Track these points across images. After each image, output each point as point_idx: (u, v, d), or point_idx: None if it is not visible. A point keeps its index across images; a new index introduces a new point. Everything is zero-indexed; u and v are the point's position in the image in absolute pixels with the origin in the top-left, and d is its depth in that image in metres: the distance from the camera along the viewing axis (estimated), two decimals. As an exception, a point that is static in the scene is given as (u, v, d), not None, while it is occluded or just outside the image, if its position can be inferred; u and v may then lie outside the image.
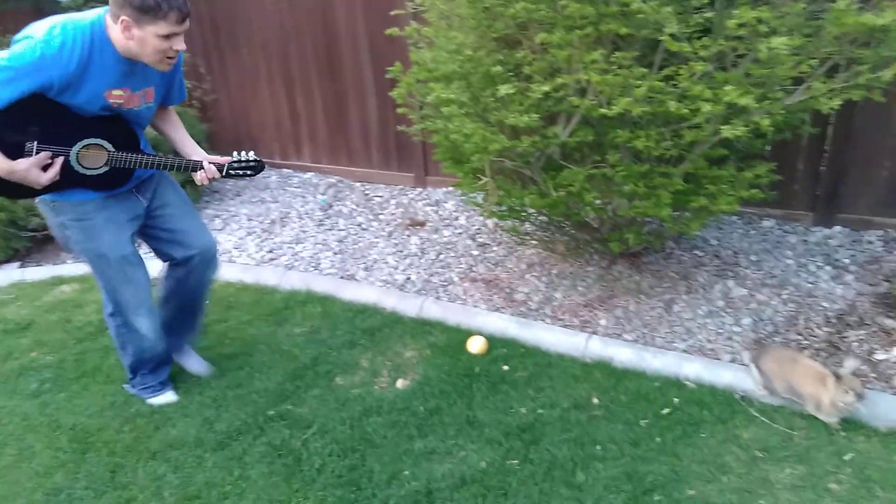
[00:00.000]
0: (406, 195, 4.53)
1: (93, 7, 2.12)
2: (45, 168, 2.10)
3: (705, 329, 2.80)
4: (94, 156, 2.17)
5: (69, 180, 2.16)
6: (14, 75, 1.94)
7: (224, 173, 2.34)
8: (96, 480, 2.29)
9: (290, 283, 3.53)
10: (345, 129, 4.84)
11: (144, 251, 2.54)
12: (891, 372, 2.45)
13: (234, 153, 2.35)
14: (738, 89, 2.08)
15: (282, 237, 4.15)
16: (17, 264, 4.25)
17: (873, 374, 2.45)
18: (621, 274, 3.25)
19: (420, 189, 4.59)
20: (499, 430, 2.35)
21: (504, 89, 2.37)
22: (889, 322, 2.68)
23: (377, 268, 3.64)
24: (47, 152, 2.09)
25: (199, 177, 2.31)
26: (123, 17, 1.96)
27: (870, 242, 3.27)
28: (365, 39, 4.42)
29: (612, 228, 3.06)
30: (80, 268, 3.93)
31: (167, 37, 2.00)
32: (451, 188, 4.38)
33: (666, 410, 2.38)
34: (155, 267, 2.58)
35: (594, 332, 2.86)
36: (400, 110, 3.17)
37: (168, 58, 2.07)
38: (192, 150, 2.41)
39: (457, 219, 4.08)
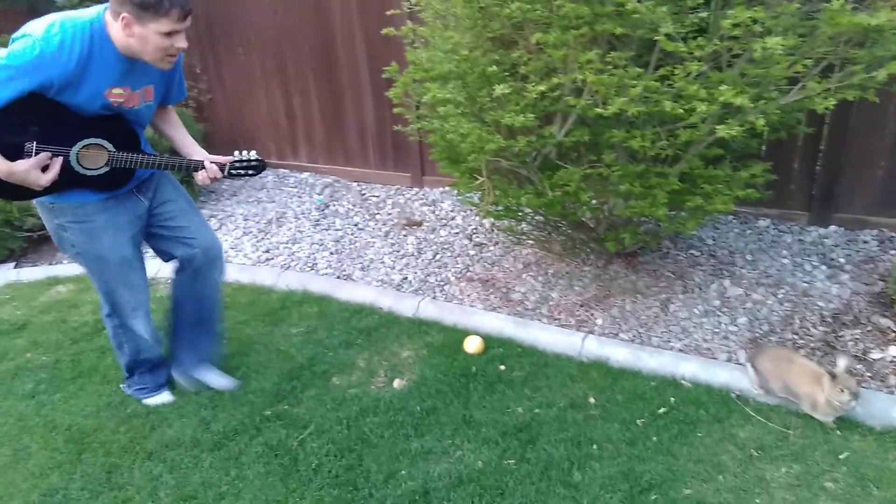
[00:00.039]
0: (403, 195, 4.53)
1: (88, 6, 2.10)
2: (44, 169, 2.07)
3: (701, 328, 2.81)
4: (94, 156, 2.15)
5: (69, 181, 2.13)
6: (13, 74, 1.91)
7: (226, 173, 2.30)
8: (92, 481, 2.29)
9: (286, 284, 3.52)
10: (341, 129, 4.83)
11: (144, 251, 2.53)
12: (886, 371, 2.46)
13: (236, 152, 2.31)
14: (733, 89, 2.08)
15: (278, 237, 4.15)
16: (12, 264, 4.23)
17: (869, 374, 2.46)
18: (617, 273, 3.25)
19: (417, 189, 4.59)
20: (495, 429, 2.35)
21: (500, 89, 2.37)
22: (884, 321, 2.69)
23: (374, 268, 3.64)
24: (47, 152, 2.06)
25: (200, 177, 2.28)
26: (124, 15, 1.93)
27: (865, 242, 3.28)
28: (361, 39, 4.42)
29: (608, 228, 3.06)
30: (75, 268, 3.92)
31: (168, 34, 1.98)
32: (447, 188, 4.38)
33: (662, 410, 2.38)
34: (154, 266, 2.57)
35: (591, 332, 2.86)
36: (396, 110, 3.16)
37: (169, 55, 2.05)
38: (193, 150, 2.38)
39: (453, 218, 4.08)
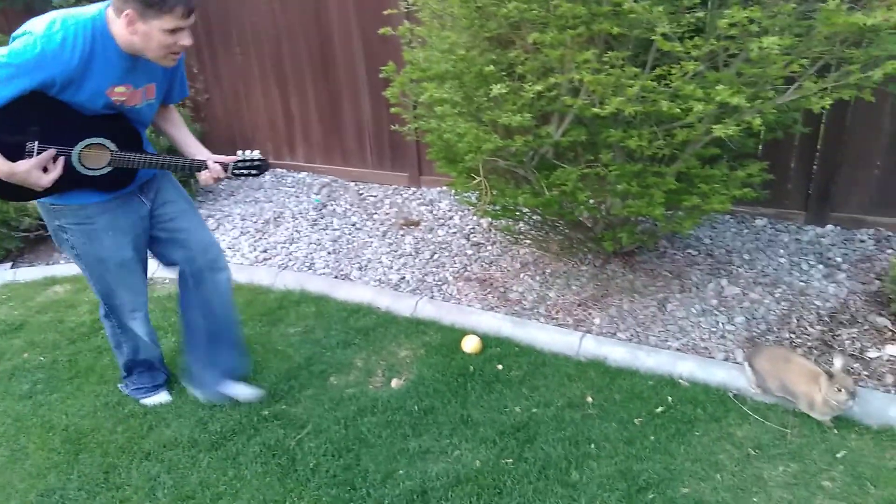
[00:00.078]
0: (400, 195, 4.53)
1: (88, 3, 2.08)
2: (45, 170, 2.04)
3: (699, 328, 2.81)
4: (96, 156, 2.12)
5: (70, 181, 2.10)
6: (14, 72, 1.88)
7: (229, 173, 2.26)
8: (90, 481, 2.29)
9: (284, 283, 3.52)
10: (339, 129, 4.83)
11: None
12: (883, 370, 2.46)
13: (239, 152, 2.26)
14: (729, 89, 2.09)
15: (276, 237, 4.15)
16: (9, 265, 4.23)
17: (865, 372, 2.46)
18: (615, 273, 3.26)
19: (414, 189, 4.59)
20: (493, 429, 2.36)
21: (497, 89, 2.37)
22: (881, 320, 2.70)
23: (371, 267, 3.64)
24: (50, 151, 2.03)
25: (203, 177, 2.23)
26: (128, 12, 1.90)
27: (862, 241, 3.29)
28: (358, 39, 4.42)
29: (605, 227, 3.06)
30: (73, 268, 3.91)
31: (172, 31, 1.95)
32: (444, 188, 4.38)
33: (660, 409, 2.38)
34: (152, 266, 2.55)
35: (588, 331, 2.86)
36: (393, 110, 3.17)
37: (173, 53, 2.02)
38: (196, 150, 2.34)
39: (451, 218, 4.08)
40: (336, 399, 2.59)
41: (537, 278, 3.31)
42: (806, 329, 2.74)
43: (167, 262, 2.48)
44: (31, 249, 4.39)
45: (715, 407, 2.37)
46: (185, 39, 1.99)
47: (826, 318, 2.78)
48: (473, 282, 3.36)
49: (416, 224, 4.09)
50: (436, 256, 3.66)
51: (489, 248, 3.68)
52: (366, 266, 3.66)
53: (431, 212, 4.21)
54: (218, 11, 4.93)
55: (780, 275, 3.10)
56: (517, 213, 3.18)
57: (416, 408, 2.50)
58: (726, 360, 2.62)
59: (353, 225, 4.19)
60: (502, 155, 2.72)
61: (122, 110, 2.12)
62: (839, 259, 3.16)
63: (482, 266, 3.50)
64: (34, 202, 2.28)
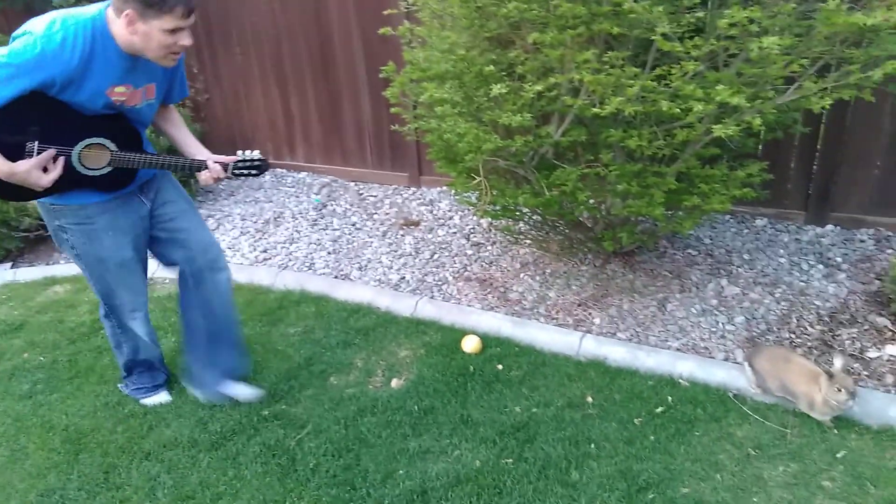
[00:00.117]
0: (400, 195, 4.53)
1: (88, 3, 2.08)
2: (45, 170, 2.03)
3: (699, 327, 2.81)
4: (96, 156, 2.11)
5: (70, 181, 2.10)
6: (14, 72, 1.87)
7: (229, 173, 2.26)
8: (89, 481, 2.29)
9: (284, 283, 3.52)
10: (339, 129, 4.83)
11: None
12: (883, 370, 2.46)
13: (239, 152, 2.26)
14: (729, 89, 2.09)
15: (276, 237, 4.15)
16: (9, 265, 4.23)
17: (865, 372, 2.46)
18: (615, 273, 3.26)
19: (414, 189, 4.59)
20: (493, 429, 2.36)
21: (497, 89, 2.37)
22: (881, 320, 2.70)
23: (371, 267, 3.64)
24: (50, 151, 2.02)
25: (203, 177, 2.23)
26: (128, 12, 1.90)
27: (862, 241, 3.29)
28: (358, 39, 4.42)
29: (605, 227, 3.06)
30: (72, 268, 3.91)
31: (172, 31, 1.94)
32: (444, 188, 4.38)
33: (660, 409, 2.38)
34: (151, 266, 2.55)
35: (588, 331, 2.86)
36: (393, 110, 3.16)
37: (173, 53, 2.01)
38: (197, 150, 2.33)
39: (451, 218, 4.08)
40: (336, 399, 2.59)
41: (537, 278, 3.31)
42: (806, 329, 2.74)
43: (167, 262, 2.48)
44: (31, 249, 4.39)
45: (715, 407, 2.37)
46: (185, 39, 1.99)
47: (826, 318, 2.78)
48: (473, 282, 3.36)
49: (416, 224, 4.09)
50: (436, 256, 3.66)
51: (489, 248, 3.68)
52: (366, 266, 3.66)
53: (431, 212, 4.21)
54: (218, 11, 4.93)
55: (780, 275, 3.10)
56: (517, 213, 3.18)
57: (416, 408, 2.50)
58: (726, 359, 2.62)
59: (353, 225, 4.19)
60: (502, 155, 2.72)
61: (122, 110, 2.11)
62: (839, 259, 3.16)
63: (482, 266, 3.50)
64: (34, 202, 2.28)
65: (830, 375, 2.15)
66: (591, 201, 2.86)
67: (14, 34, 1.96)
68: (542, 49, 2.38)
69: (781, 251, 3.28)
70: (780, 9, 2.10)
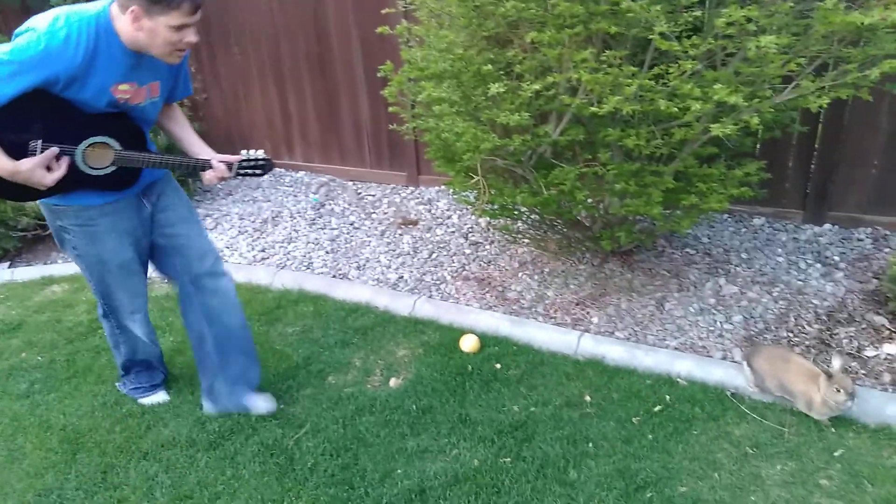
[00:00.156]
0: (398, 194, 4.53)
1: (86, 1, 2.06)
2: (49, 168, 2.01)
3: (696, 326, 2.81)
4: (100, 155, 2.09)
5: (74, 181, 2.07)
6: (17, 69, 1.84)
7: (233, 172, 2.23)
8: (87, 481, 2.28)
9: (282, 283, 3.52)
10: (336, 128, 4.83)
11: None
12: (880, 368, 2.47)
13: (243, 151, 2.24)
14: (727, 88, 2.09)
15: (274, 236, 4.14)
16: (6, 264, 4.23)
17: (863, 371, 2.47)
18: (613, 272, 3.26)
19: (412, 188, 4.59)
20: (491, 428, 2.36)
21: (495, 88, 2.37)
22: (878, 319, 2.70)
23: (369, 267, 3.64)
24: (54, 150, 2.00)
25: (208, 176, 2.20)
26: (133, 8, 1.88)
27: (860, 240, 3.29)
28: (356, 38, 4.42)
29: (603, 227, 3.07)
30: (70, 268, 3.91)
31: (178, 28, 1.93)
32: (443, 187, 4.38)
33: (658, 408, 2.39)
34: (151, 265, 2.53)
35: (586, 330, 2.86)
36: (392, 109, 3.16)
37: (178, 50, 2.00)
38: (201, 149, 2.30)
39: (449, 217, 4.08)
40: (334, 398, 2.59)
41: (535, 277, 3.31)
42: (804, 328, 2.74)
43: (166, 272, 2.45)
44: (29, 249, 4.38)
45: (713, 406, 2.37)
46: (191, 36, 1.97)
47: (824, 317, 2.78)
48: (472, 281, 3.36)
49: (415, 223, 4.09)
50: (434, 256, 3.66)
51: (487, 247, 3.68)
52: (364, 265, 3.66)
53: (430, 211, 4.21)
54: (216, 10, 4.93)
55: (778, 274, 3.10)
56: (515, 213, 3.18)
57: (414, 407, 2.50)
58: (724, 358, 2.62)
59: (352, 224, 4.19)
60: (500, 154, 2.72)
61: (125, 108, 2.09)
62: (837, 258, 3.17)
63: (480, 265, 3.50)
64: (33, 202, 2.26)
65: (829, 376, 2.15)
66: (590, 200, 2.86)
67: (17, 31, 1.94)
68: (540, 48, 2.38)
69: (779, 250, 3.28)
70: (777, 8, 2.10)
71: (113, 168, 2.13)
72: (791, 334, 2.71)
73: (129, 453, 2.40)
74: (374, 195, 4.57)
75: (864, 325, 2.69)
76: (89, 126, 2.05)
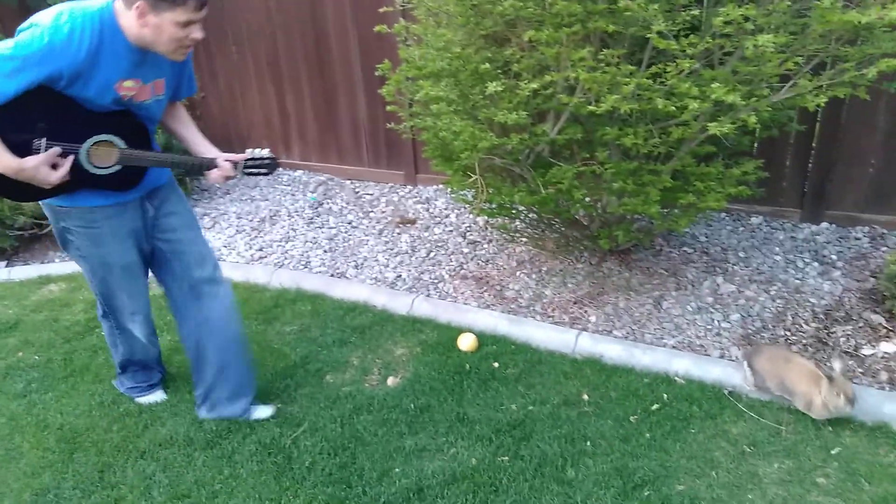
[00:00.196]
0: (396, 193, 4.52)
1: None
2: (55, 166, 1.98)
3: (694, 325, 2.82)
4: (104, 154, 2.06)
5: (79, 180, 2.05)
6: (20, 65, 1.81)
7: (239, 172, 2.21)
8: (84, 480, 2.28)
9: (279, 282, 3.52)
10: (334, 127, 4.83)
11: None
12: (877, 367, 2.47)
13: (248, 150, 2.22)
14: (724, 87, 2.09)
15: (272, 235, 4.14)
16: (3, 263, 4.21)
17: (860, 369, 2.47)
18: (611, 271, 3.26)
19: (410, 187, 4.59)
20: (489, 426, 2.36)
21: (493, 87, 2.37)
22: (875, 317, 2.71)
23: (367, 266, 3.64)
24: (57, 149, 1.98)
25: (214, 175, 2.18)
26: (139, 3, 1.86)
27: (857, 239, 3.30)
28: (354, 36, 4.42)
29: (601, 225, 3.07)
30: (67, 267, 3.91)
31: (185, 24, 1.91)
32: (441, 186, 4.39)
33: (655, 406, 2.39)
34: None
35: (584, 329, 2.87)
36: (389, 108, 3.16)
37: (184, 47, 1.98)
38: (206, 148, 2.28)
39: (447, 216, 4.08)
40: (332, 397, 2.59)
41: (533, 276, 3.31)
42: (801, 326, 2.74)
43: (162, 277, 2.42)
44: (26, 248, 4.37)
45: (710, 404, 2.37)
46: (197, 33, 1.95)
47: (821, 316, 2.78)
48: (470, 280, 3.36)
49: (413, 222, 4.08)
50: (432, 255, 3.66)
51: (485, 246, 3.68)
52: (362, 264, 3.66)
53: (428, 210, 4.21)
54: (214, 9, 4.88)
55: (776, 272, 3.11)
56: (513, 212, 3.18)
57: (412, 406, 2.50)
58: (722, 357, 2.62)
59: (350, 223, 4.19)
60: (498, 153, 2.72)
61: (130, 106, 2.07)
62: (834, 257, 3.17)
63: (478, 264, 3.50)
64: (39, 203, 2.23)
65: (831, 379, 2.15)
66: (587, 199, 2.86)
67: (20, 27, 1.92)
68: (538, 47, 2.38)
69: (777, 249, 3.29)
70: (775, 7, 2.10)
71: (118, 167, 2.10)
72: (788, 333, 2.72)
73: (127, 452, 2.39)
74: (371, 194, 4.57)
75: (861, 324, 2.70)
76: (94, 124, 2.03)
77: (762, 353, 2.41)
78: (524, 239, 3.50)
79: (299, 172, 5.07)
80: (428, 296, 3.26)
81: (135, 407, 2.63)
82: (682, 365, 2.56)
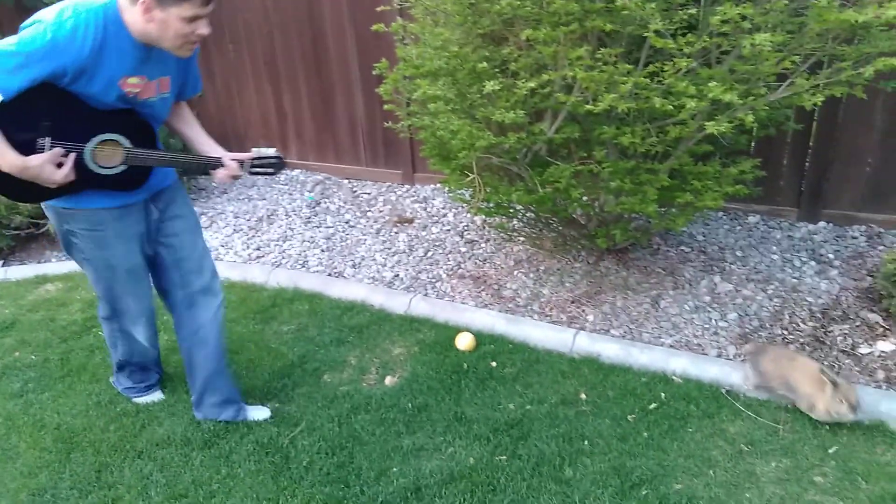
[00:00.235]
0: (394, 192, 4.52)
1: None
2: (59, 165, 1.95)
3: (692, 324, 2.82)
4: (109, 154, 2.03)
5: (83, 180, 2.02)
6: (24, 62, 1.78)
7: (246, 171, 2.18)
8: (81, 480, 2.27)
9: (277, 281, 3.51)
10: (332, 126, 4.82)
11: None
12: (874, 366, 2.47)
13: (254, 149, 2.22)
14: (722, 85, 2.09)
15: (269, 235, 4.13)
16: (0, 262, 4.21)
17: (857, 368, 2.48)
18: (608, 270, 3.26)
19: (408, 186, 4.58)
20: (487, 426, 2.36)
21: (490, 86, 2.37)
22: (872, 316, 2.71)
23: (365, 265, 3.63)
24: (60, 148, 1.95)
25: (220, 175, 2.16)
26: None
27: (854, 238, 3.30)
28: (351, 35, 4.41)
29: (598, 224, 3.07)
30: (64, 266, 3.90)
31: (191, 20, 1.88)
32: (438, 185, 4.38)
33: (653, 405, 2.39)
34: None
35: (582, 328, 2.87)
36: (387, 107, 3.16)
37: (190, 42, 1.95)
38: (211, 148, 2.26)
39: (445, 216, 4.08)
40: (330, 397, 2.59)
41: (531, 275, 3.31)
42: (798, 325, 2.75)
43: (160, 283, 2.41)
44: (23, 248, 4.36)
45: (708, 403, 2.37)
46: (204, 28, 1.93)
47: (818, 315, 2.79)
48: (467, 279, 3.36)
49: (410, 221, 4.08)
50: (429, 254, 3.65)
51: (483, 245, 3.68)
52: (359, 264, 3.65)
53: (425, 209, 4.21)
54: (210, 8, 4.91)
55: (773, 271, 3.11)
56: (511, 211, 3.18)
57: (409, 405, 2.50)
58: (719, 356, 2.63)
59: (347, 222, 4.18)
60: (496, 152, 2.71)
61: (134, 104, 2.05)
62: (831, 256, 3.18)
63: (476, 263, 3.50)
64: (42, 205, 2.21)
65: (836, 385, 2.14)
66: (585, 198, 2.86)
67: (23, 24, 1.89)
68: (536, 46, 2.37)
69: (774, 248, 3.29)
70: (772, 6, 2.10)
71: (123, 167, 2.07)
72: (785, 332, 2.72)
73: (124, 452, 2.39)
74: (369, 193, 4.56)
75: (858, 323, 2.70)
76: (98, 122, 2.00)
77: (766, 353, 2.41)
78: (522, 238, 3.50)
79: (297, 172, 5.06)
80: (425, 295, 3.26)
81: (132, 407, 2.62)
82: (679, 364, 2.56)
